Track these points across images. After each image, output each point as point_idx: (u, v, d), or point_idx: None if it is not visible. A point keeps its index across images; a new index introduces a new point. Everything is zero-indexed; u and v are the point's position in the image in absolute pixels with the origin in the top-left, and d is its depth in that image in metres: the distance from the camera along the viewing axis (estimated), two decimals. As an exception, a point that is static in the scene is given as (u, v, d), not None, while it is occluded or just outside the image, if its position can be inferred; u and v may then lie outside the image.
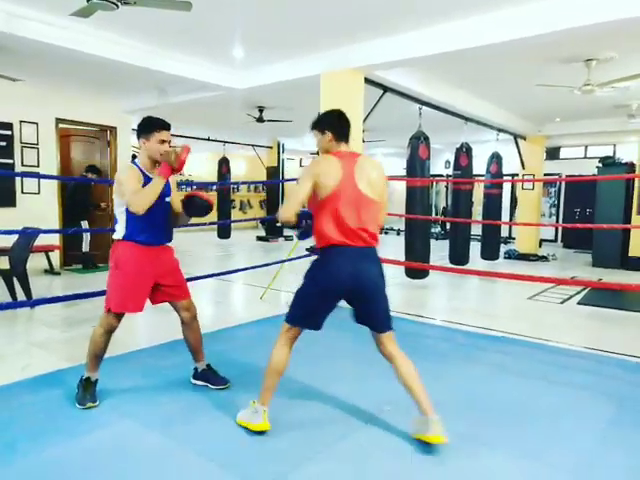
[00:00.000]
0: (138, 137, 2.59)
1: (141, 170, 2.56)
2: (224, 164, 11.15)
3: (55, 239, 6.70)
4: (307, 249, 5.32)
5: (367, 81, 5.11)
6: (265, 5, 3.91)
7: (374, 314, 2.30)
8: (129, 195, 2.43)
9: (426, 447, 2.19)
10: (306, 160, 16.03)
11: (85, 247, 7.01)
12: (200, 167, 13.52)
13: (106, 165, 7.60)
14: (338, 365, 3.29)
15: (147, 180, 2.52)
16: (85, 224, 6.93)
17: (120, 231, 2.58)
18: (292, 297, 2.35)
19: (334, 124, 2.34)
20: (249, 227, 15.13)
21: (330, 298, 2.26)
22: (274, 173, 12.67)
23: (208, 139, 10.93)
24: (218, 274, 5.40)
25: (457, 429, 2.34)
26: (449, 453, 2.16)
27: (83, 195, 7.00)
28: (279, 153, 12.78)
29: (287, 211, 2.21)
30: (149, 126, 2.55)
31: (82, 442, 2.23)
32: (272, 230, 12.34)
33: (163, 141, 2.54)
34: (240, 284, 6.48)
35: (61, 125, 7.06)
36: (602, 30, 3.83)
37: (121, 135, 7.69)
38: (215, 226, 11.14)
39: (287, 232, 12.64)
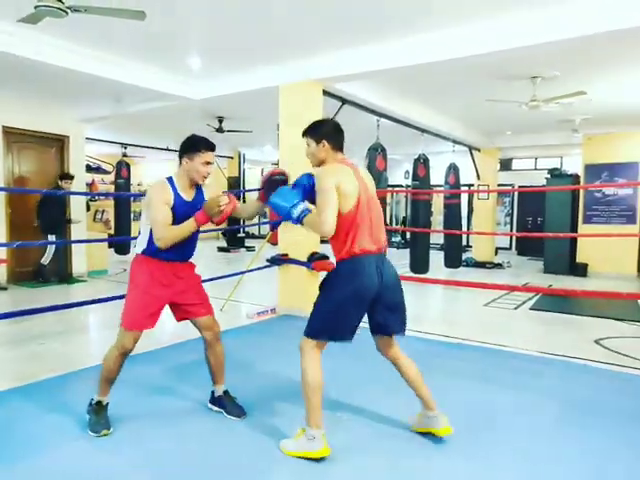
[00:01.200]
0: (180, 155, 2.45)
1: (174, 189, 2.42)
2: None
3: (2, 252, 6.40)
4: (268, 260, 5.30)
5: (326, 93, 5.19)
6: (222, 16, 3.91)
7: (398, 314, 2.34)
8: (156, 225, 2.32)
9: (382, 453, 2.20)
10: (268, 170, 15.98)
11: (46, 259, 6.64)
12: (158, 177, 13.25)
13: (56, 175, 7.34)
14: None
15: (178, 201, 2.39)
16: (52, 239, 6.52)
17: (141, 245, 2.45)
18: (313, 311, 2.25)
19: (331, 133, 2.30)
20: (210, 237, 14.92)
21: (361, 304, 2.21)
22: (235, 183, 12.58)
23: (167, 149, 10.75)
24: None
25: (410, 435, 2.39)
26: (402, 458, 2.20)
27: (52, 207, 6.53)
28: (240, 163, 12.72)
29: (329, 223, 2.10)
30: (194, 146, 2.42)
31: (27, 466, 2.13)
32: (233, 241, 12.22)
33: (207, 163, 2.42)
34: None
35: (9, 134, 6.77)
36: (546, 50, 4.05)
37: (74, 144, 7.46)
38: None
39: (248, 243, 12.55)
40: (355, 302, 2.19)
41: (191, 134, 2.50)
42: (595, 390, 3.13)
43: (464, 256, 9.98)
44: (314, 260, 4.95)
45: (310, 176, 2.26)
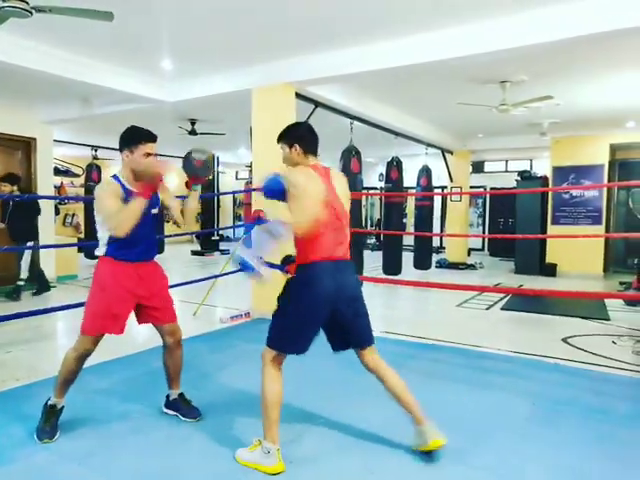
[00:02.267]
0: (121, 149, 2.39)
1: (122, 185, 2.37)
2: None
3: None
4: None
5: (299, 96, 5.19)
6: (193, 18, 3.88)
7: (359, 326, 2.26)
8: (107, 217, 2.28)
9: (354, 458, 2.21)
10: (242, 172, 15.90)
11: (24, 272, 6.05)
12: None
13: (23, 178, 7.14)
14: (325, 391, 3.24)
15: (128, 195, 2.32)
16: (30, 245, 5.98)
17: (102, 248, 2.41)
18: (272, 322, 2.22)
19: (303, 137, 2.28)
20: (184, 241, 14.74)
21: (320, 317, 2.16)
22: (208, 186, 12.46)
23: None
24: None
25: (385, 437, 2.41)
26: (377, 463, 2.21)
27: (23, 212, 5.93)
28: (214, 166, 12.61)
29: (303, 226, 2.04)
30: (134, 138, 2.37)
31: (-10, 479, 2.07)
32: (207, 244, 12.10)
33: (148, 154, 2.36)
34: (173, 300, 6.28)
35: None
36: (513, 55, 4.15)
37: (42, 147, 7.27)
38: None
39: (222, 246, 12.45)
40: (310, 315, 2.14)
41: (130, 125, 2.45)
42: (563, 387, 3.21)
43: (438, 257, 10.13)
44: (288, 263, 4.92)
45: (278, 180, 2.20)
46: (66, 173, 10.84)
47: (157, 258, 2.65)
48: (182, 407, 2.65)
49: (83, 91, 5.84)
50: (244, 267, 2.10)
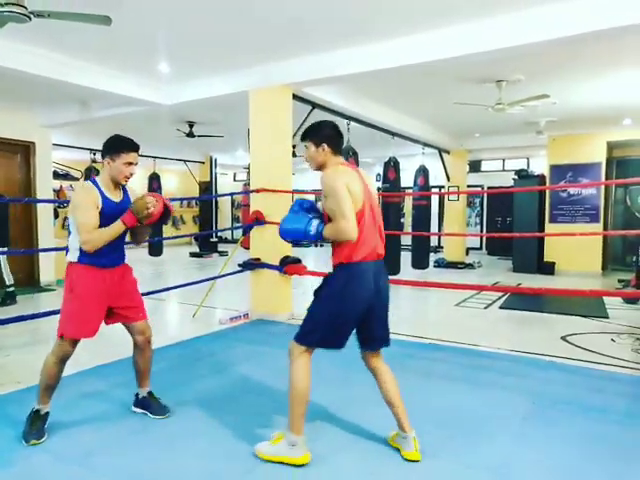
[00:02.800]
0: (103, 156, 2.43)
1: (100, 191, 2.41)
2: (155, 180, 10.83)
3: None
4: (240, 264, 5.28)
5: (296, 97, 5.21)
6: (189, 20, 3.90)
7: (383, 328, 2.27)
8: (83, 229, 2.30)
9: (351, 458, 2.23)
10: (240, 174, 15.92)
11: (9, 280, 5.86)
12: (129, 183, 13.03)
13: (22, 182, 7.16)
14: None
15: (106, 203, 2.38)
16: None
17: (74, 253, 2.42)
18: (307, 317, 2.22)
19: (332, 137, 2.24)
20: (182, 243, 14.76)
21: (358, 316, 2.16)
22: (207, 188, 12.49)
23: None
24: (149, 293, 5.21)
25: (380, 437, 2.42)
26: (374, 463, 2.23)
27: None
28: (212, 168, 12.63)
29: (351, 226, 2.02)
30: (117, 146, 2.41)
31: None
32: (206, 246, 12.11)
33: (130, 163, 2.41)
34: (173, 302, 6.30)
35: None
36: (509, 55, 4.17)
37: (40, 151, 7.28)
38: (146, 243, 10.77)
39: (221, 248, 12.47)
40: (351, 312, 2.14)
41: (114, 134, 2.49)
42: (562, 386, 3.23)
43: (436, 257, 10.15)
44: (286, 264, 4.96)
45: (305, 201, 2.27)
46: (65, 177, 10.84)
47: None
48: (151, 405, 2.70)
49: (81, 95, 5.86)
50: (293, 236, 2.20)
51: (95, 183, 2.44)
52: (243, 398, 2.96)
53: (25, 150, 7.17)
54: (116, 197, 2.48)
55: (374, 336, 2.26)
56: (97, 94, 5.44)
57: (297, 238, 2.23)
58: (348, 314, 2.14)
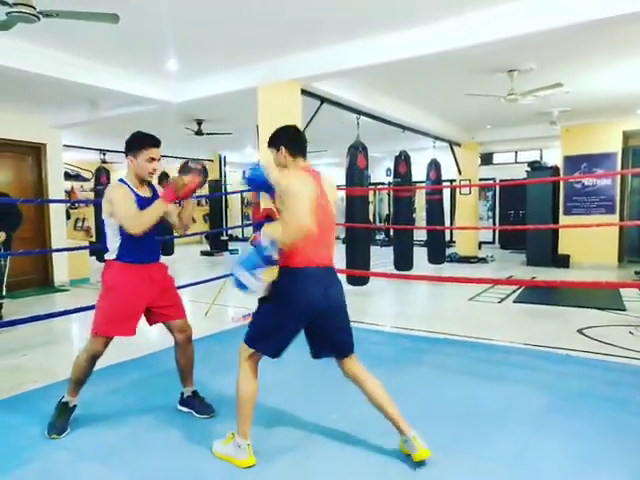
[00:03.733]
0: (126, 154, 2.46)
1: (130, 188, 2.45)
2: (164, 179, 10.81)
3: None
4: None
5: (304, 92, 5.18)
6: (196, 18, 3.88)
7: (341, 337, 2.21)
8: (125, 218, 2.34)
9: (370, 452, 2.21)
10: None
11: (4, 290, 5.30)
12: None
13: (34, 184, 7.22)
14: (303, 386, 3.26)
15: (138, 199, 2.43)
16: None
17: (112, 251, 2.46)
18: (252, 320, 2.21)
19: (289, 140, 2.26)
20: (193, 242, 14.81)
21: (300, 322, 2.13)
22: (216, 186, 12.50)
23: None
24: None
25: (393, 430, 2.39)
26: (393, 457, 2.20)
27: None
28: (221, 166, 12.65)
29: (306, 220, 1.95)
30: (138, 143, 2.44)
31: (14, 477, 2.09)
32: (216, 244, 12.15)
33: (152, 159, 2.44)
34: (185, 301, 6.29)
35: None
36: (521, 43, 4.09)
37: (51, 152, 7.34)
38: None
39: (231, 246, 12.50)
40: (294, 319, 2.10)
41: (135, 131, 2.50)
42: (579, 379, 3.18)
43: (448, 252, 10.07)
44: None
45: (261, 171, 2.19)
46: (76, 177, 10.94)
47: (166, 259, 2.69)
48: (196, 404, 2.69)
49: (90, 95, 5.89)
50: (239, 286, 2.04)
51: (124, 182, 2.48)
52: (259, 395, 2.94)
53: (36, 151, 7.22)
54: (146, 193, 2.52)
55: (334, 344, 2.21)
56: (105, 93, 5.46)
57: (259, 186, 2.23)
58: (287, 322, 2.10)
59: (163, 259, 2.69)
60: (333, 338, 2.21)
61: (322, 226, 2.10)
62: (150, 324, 2.62)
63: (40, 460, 2.23)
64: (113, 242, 2.46)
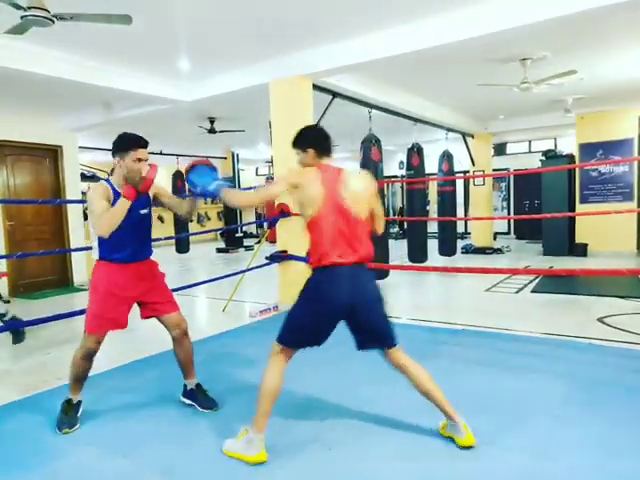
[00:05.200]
0: (113, 155, 2.47)
1: (113, 188, 2.46)
2: (179, 178, 10.96)
3: (3, 266, 6.40)
4: (267, 257, 5.30)
5: (316, 87, 5.18)
6: (205, 15, 3.90)
7: (376, 331, 2.23)
8: (95, 218, 2.36)
9: (392, 443, 2.23)
10: (262, 168, 15.99)
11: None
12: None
13: (51, 185, 7.34)
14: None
15: (118, 198, 2.42)
16: None
17: (95, 251, 2.50)
18: (286, 318, 2.24)
19: (316, 141, 2.28)
20: (208, 239, 14.93)
21: (330, 319, 2.16)
22: (230, 184, 12.55)
23: (160, 153, 10.73)
24: (178, 289, 5.29)
25: (421, 422, 2.41)
26: (415, 447, 2.22)
27: None
28: (234, 163, 12.70)
29: (247, 200, 2.25)
30: (124, 144, 2.45)
31: (39, 474, 2.14)
32: (232, 241, 12.22)
33: (140, 159, 2.44)
34: (202, 298, 6.38)
35: (3, 147, 6.76)
36: (533, 30, 4.03)
37: (68, 154, 7.45)
38: (173, 240, 10.95)
39: (247, 242, 12.57)
40: (322, 316, 2.15)
41: (122, 132, 2.52)
42: (601, 368, 3.15)
43: (463, 243, 10.00)
44: (314, 255, 4.94)
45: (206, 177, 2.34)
46: (92, 178, 11.05)
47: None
48: (199, 397, 2.72)
49: (104, 96, 5.95)
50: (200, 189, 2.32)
51: (108, 182, 2.50)
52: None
53: (53, 154, 7.34)
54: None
55: (373, 338, 2.24)
56: (119, 95, 5.52)
57: (198, 189, 2.34)
58: (318, 319, 2.15)
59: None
60: (372, 332, 2.23)
61: (338, 224, 2.12)
62: (143, 317, 2.64)
63: (70, 456, 2.29)
64: (95, 241, 2.49)
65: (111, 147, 2.49)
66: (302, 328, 2.19)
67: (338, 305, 2.12)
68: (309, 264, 2.22)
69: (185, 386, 2.78)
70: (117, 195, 2.43)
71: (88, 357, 2.52)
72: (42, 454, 2.30)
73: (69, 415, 2.53)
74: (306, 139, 2.30)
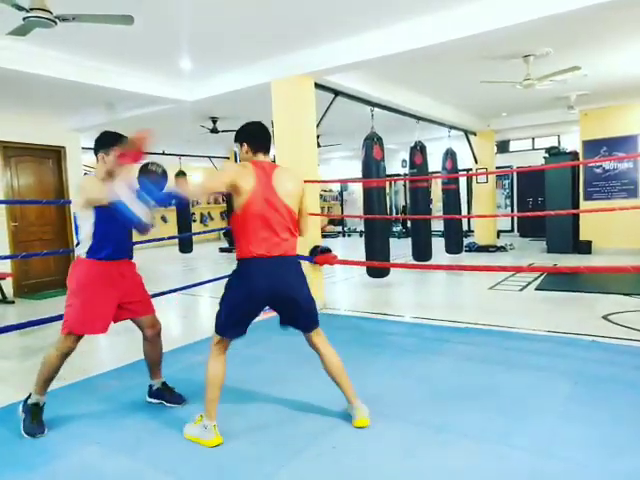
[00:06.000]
0: (96, 152, 2.54)
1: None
2: (181, 178, 10.97)
3: (7, 267, 6.43)
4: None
5: (318, 86, 5.17)
6: (207, 15, 3.90)
7: (297, 319, 2.39)
8: (92, 196, 2.39)
9: (396, 439, 2.23)
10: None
11: None
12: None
13: (55, 186, 7.36)
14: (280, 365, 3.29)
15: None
16: None
17: (83, 245, 2.48)
18: (218, 307, 2.37)
19: (252, 136, 2.37)
20: (211, 239, 14.95)
21: (252, 308, 2.30)
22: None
23: (163, 153, 10.74)
24: (182, 288, 5.30)
25: (426, 420, 2.40)
26: (419, 444, 2.21)
27: None
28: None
29: (194, 195, 2.24)
30: (108, 141, 2.53)
31: (42, 474, 2.15)
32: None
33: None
34: (205, 297, 6.39)
35: (6, 148, 6.78)
36: (536, 27, 4.01)
37: (71, 155, 7.47)
38: (176, 240, 10.97)
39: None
40: (243, 306, 2.28)
41: (103, 130, 2.62)
42: (606, 365, 3.14)
43: (466, 241, 9.98)
44: (317, 254, 4.95)
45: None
46: (95, 179, 11.10)
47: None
48: (165, 395, 2.78)
49: (106, 97, 5.95)
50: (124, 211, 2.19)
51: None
52: (285, 387, 2.97)
53: (56, 155, 7.36)
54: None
55: (294, 324, 2.41)
56: (121, 95, 5.52)
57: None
58: (239, 309, 2.29)
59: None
60: (293, 320, 2.40)
61: (266, 217, 2.22)
62: (115, 321, 2.61)
63: (72, 455, 2.29)
64: (85, 234, 2.47)
65: (94, 145, 2.57)
66: (230, 317, 2.31)
67: (259, 295, 2.25)
68: (236, 255, 2.33)
69: (151, 386, 2.82)
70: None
71: (64, 357, 2.52)
72: (45, 454, 2.31)
73: (37, 419, 2.48)
74: (242, 134, 2.39)
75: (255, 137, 2.36)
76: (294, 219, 2.34)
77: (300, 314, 2.37)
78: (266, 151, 2.37)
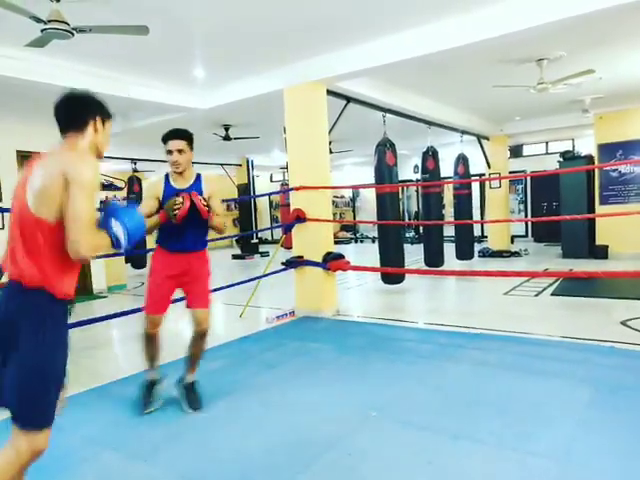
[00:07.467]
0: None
1: (167, 182, 2.73)
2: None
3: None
4: (283, 262, 5.31)
5: (330, 93, 5.19)
6: (220, 24, 3.95)
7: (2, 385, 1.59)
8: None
9: (413, 446, 2.20)
10: (277, 175, 16.05)
11: None
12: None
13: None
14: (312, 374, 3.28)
15: (169, 190, 2.67)
16: None
17: (156, 235, 2.74)
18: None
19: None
20: (224, 246, 15.02)
21: None
22: (245, 190, 12.65)
23: (176, 161, 10.84)
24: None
25: (442, 426, 2.38)
26: (437, 451, 2.19)
27: None
28: (249, 170, 12.78)
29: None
30: (163, 137, 2.73)
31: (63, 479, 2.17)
32: (247, 247, 12.28)
33: (170, 151, 2.68)
34: (219, 304, 6.41)
35: (23, 157, 6.90)
36: (549, 30, 4.00)
37: (86, 163, 7.56)
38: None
39: (262, 248, 12.62)
40: None
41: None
42: (625, 372, 3.08)
43: (480, 246, 9.89)
44: (329, 260, 4.95)
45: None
46: (110, 187, 11.25)
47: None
48: (189, 395, 2.80)
49: (120, 106, 6.02)
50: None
51: (166, 176, 2.79)
52: (294, 393, 2.97)
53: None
54: (183, 184, 2.73)
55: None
56: (135, 104, 5.60)
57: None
58: None
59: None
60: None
61: (12, 231, 1.59)
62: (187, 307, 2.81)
63: (92, 461, 2.31)
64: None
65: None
66: None
67: None
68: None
69: (181, 379, 2.86)
70: (168, 187, 2.73)
71: (147, 338, 2.73)
72: (65, 459, 2.32)
73: (146, 394, 2.76)
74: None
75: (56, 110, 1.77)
76: (41, 231, 1.55)
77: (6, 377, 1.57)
78: (67, 131, 1.77)
